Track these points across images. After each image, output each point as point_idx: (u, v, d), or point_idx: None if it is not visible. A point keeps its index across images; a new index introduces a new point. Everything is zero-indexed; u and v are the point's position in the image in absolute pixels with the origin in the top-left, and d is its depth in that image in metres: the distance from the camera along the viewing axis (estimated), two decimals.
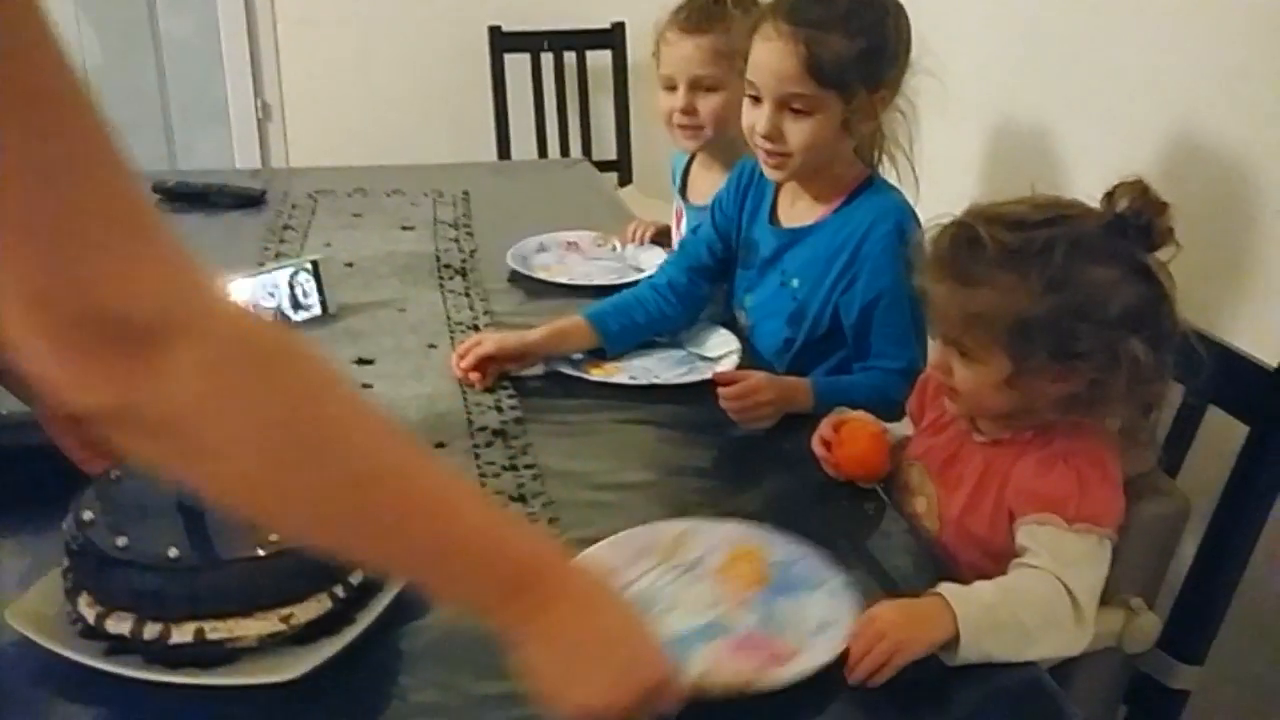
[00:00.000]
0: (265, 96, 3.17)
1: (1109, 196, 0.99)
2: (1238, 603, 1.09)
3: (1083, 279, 0.95)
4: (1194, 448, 1.14)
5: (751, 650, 0.88)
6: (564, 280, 1.71)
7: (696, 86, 1.67)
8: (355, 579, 0.89)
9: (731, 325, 1.53)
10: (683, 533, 1.01)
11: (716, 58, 1.65)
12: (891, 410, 1.27)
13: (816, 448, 1.16)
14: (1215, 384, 1.08)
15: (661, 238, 1.89)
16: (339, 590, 0.88)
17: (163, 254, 0.55)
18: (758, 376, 1.25)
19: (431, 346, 1.47)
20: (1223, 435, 1.12)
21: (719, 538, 1.01)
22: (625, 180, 3.18)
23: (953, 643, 0.86)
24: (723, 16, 1.67)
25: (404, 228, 1.94)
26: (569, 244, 1.86)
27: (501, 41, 3.10)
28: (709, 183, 1.78)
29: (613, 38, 3.16)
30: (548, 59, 3.14)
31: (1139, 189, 0.98)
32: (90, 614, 0.85)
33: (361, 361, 1.42)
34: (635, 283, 1.62)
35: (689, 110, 1.68)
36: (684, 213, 1.83)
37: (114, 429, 0.57)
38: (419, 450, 0.71)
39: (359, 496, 0.62)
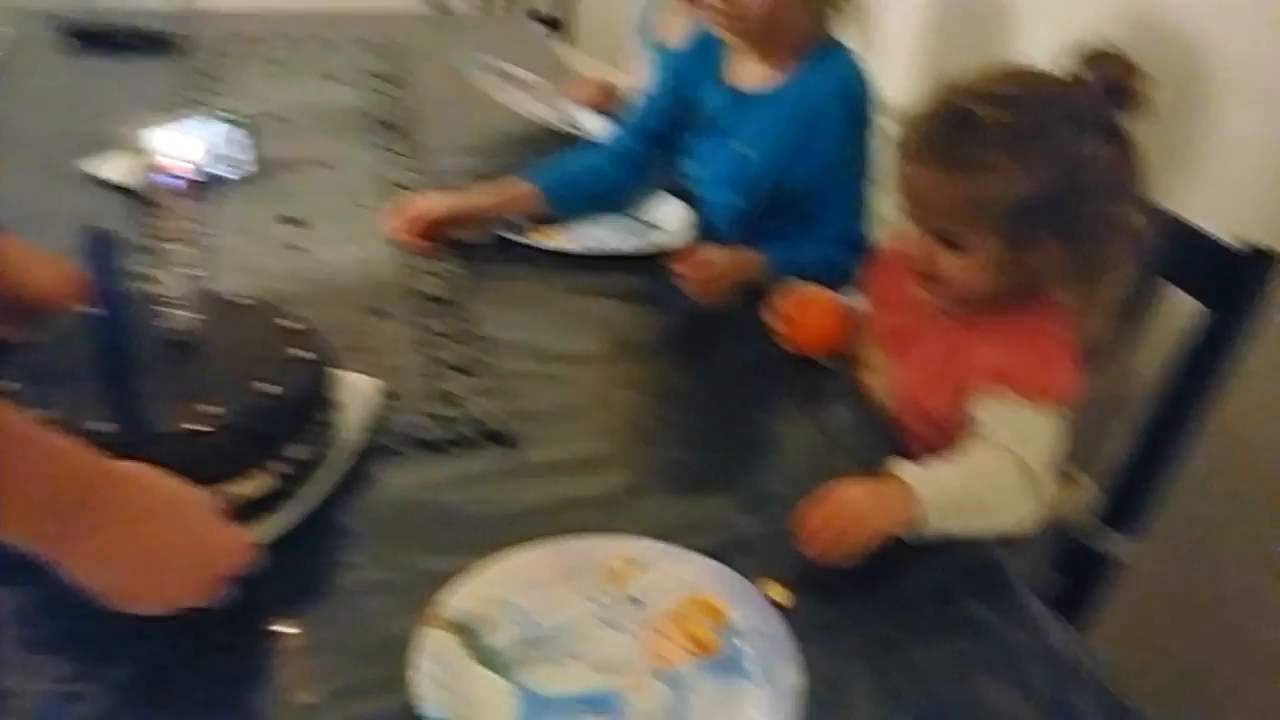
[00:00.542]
0: None
1: (1087, 63, 0.95)
2: (1178, 480, 1.11)
3: (1081, 153, 0.92)
4: (1146, 321, 1.13)
5: None
6: (503, 100, 1.65)
7: None
8: (298, 454, 0.85)
9: (681, 193, 1.48)
10: (635, 558, 0.82)
11: None
12: (842, 280, 1.25)
13: (774, 322, 1.13)
14: (1172, 261, 1.07)
15: (605, 101, 1.81)
16: (279, 467, 0.83)
17: None
18: (715, 252, 1.21)
19: (366, 207, 1.39)
20: (1174, 312, 1.12)
21: (676, 576, 0.81)
22: (564, 38, 3.05)
23: (914, 523, 0.86)
24: None
25: (331, 78, 1.83)
26: (513, 78, 1.76)
27: None
28: (675, 24, 1.70)
29: None
30: None
31: (1117, 55, 0.94)
32: None
33: (294, 222, 1.34)
34: (577, 140, 1.56)
35: None
36: (649, 57, 1.75)
37: None
38: None
39: None
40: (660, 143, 1.48)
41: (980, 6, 1.81)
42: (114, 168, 1.39)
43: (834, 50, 1.35)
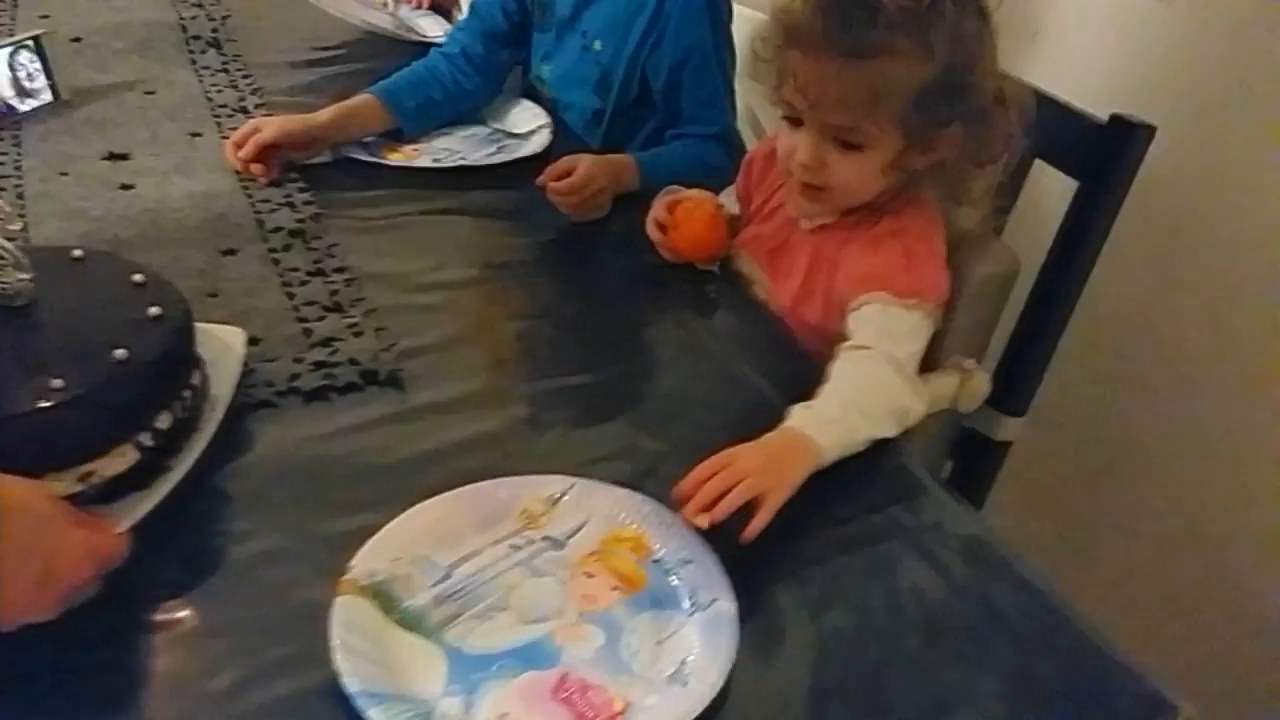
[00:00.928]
0: None
1: None
2: (1059, 357, 1.13)
3: (968, 30, 0.89)
4: (1019, 204, 1.14)
5: (564, 704, 0.65)
6: (334, 12, 1.54)
7: None
8: (162, 423, 0.77)
9: (533, 95, 1.41)
10: (555, 495, 0.78)
11: None
12: (714, 178, 1.21)
13: (651, 231, 1.09)
14: (1044, 138, 1.07)
15: (442, 1, 1.70)
16: (145, 438, 0.75)
17: None
18: (587, 163, 1.14)
19: (195, 135, 1.28)
20: (1047, 190, 1.13)
21: (598, 511, 0.78)
22: None
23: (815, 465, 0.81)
24: None
25: None
26: None
27: None
28: None
29: None
30: None
31: None
32: None
33: (114, 157, 1.21)
34: (422, 48, 1.46)
35: None
36: None
37: None
38: None
39: None
40: (506, 43, 1.40)
41: None
42: None
43: None
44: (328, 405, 0.89)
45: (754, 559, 0.75)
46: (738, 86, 1.32)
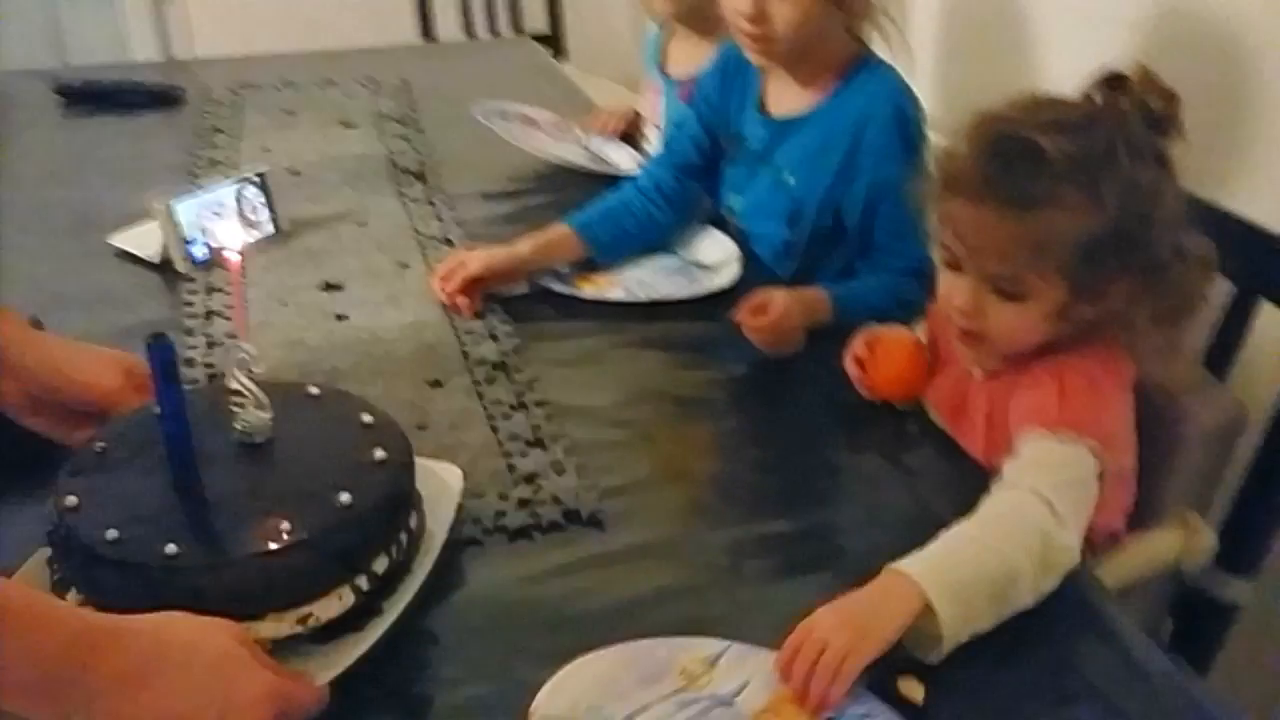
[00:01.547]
0: None
1: (1117, 88, 0.89)
2: None
3: (1142, 181, 0.86)
4: (1244, 347, 1.08)
5: None
6: (529, 149, 1.60)
7: None
8: (379, 566, 0.78)
9: (721, 225, 1.42)
10: (713, 656, 0.76)
11: None
12: (908, 312, 1.19)
13: (850, 368, 1.07)
14: (1263, 275, 1.02)
15: (630, 129, 1.76)
16: (362, 582, 0.77)
17: None
18: (783, 299, 1.14)
19: (404, 266, 1.34)
20: (1275, 333, 1.07)
21: (759, 671, 0.75)
22: (559, 55, 2.99)
23: (930, 628, 0.75)
24: None
25: (345, 125, 1.77)
26: (526, 118, 1.71)
27: None
28: (686, 54, 1.66)
29: None
30: None
31: (1150, 77, 0.89)
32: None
33: (330, 287, 1.28)
34: (612, 179, 1.50)
35: None
36: (660, 89, 1.70)
37: None
38: None
39: None
40: (697, 175, 1.42)
41: (1000, 28, 1.76)
42: (137, 240, 1.33)
43: (873, 67, 1.29)
44: (531, 544, 0.89)
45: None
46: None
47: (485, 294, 1.25)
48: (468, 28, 2.95)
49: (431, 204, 1.50)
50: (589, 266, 1.33)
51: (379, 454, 0.80)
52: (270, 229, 1.40)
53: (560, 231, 1.31)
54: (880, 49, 1.31)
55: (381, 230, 1.42)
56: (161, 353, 0.75)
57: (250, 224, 1.38)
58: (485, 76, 2.06)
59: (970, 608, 0.76)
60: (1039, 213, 0.86)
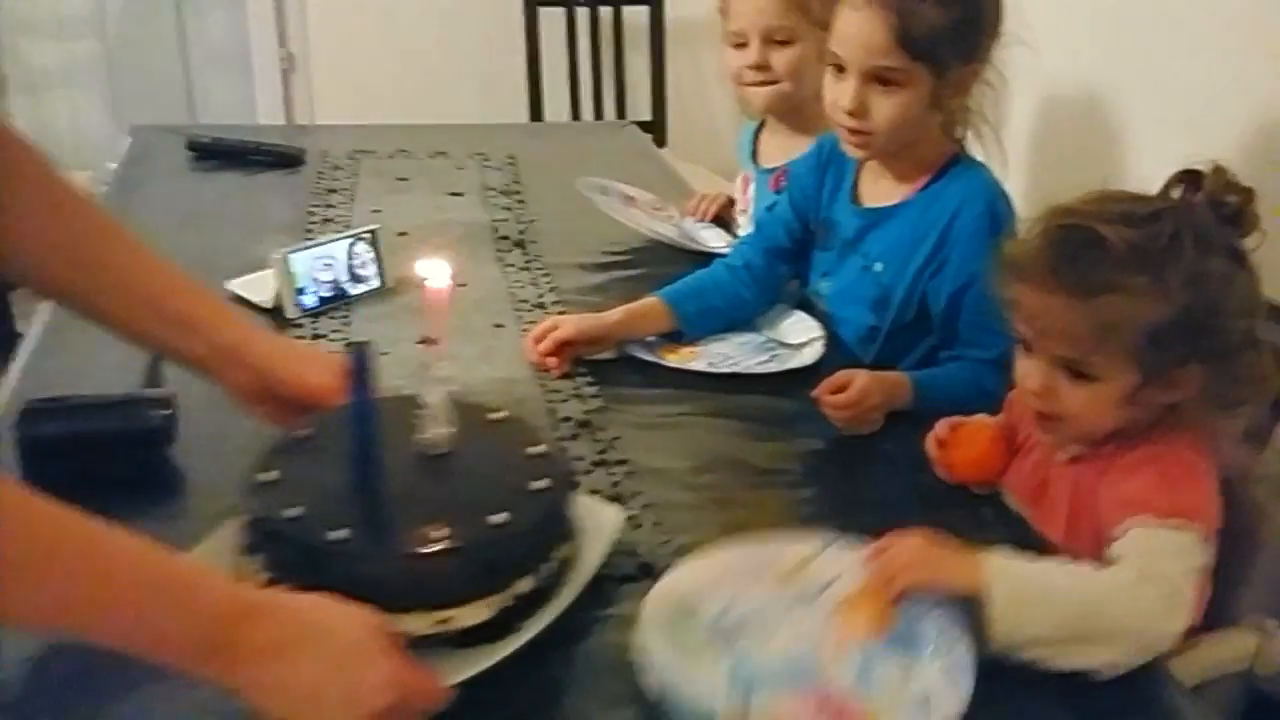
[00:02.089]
0: (290, 46, 3.06)
1: (1192, 185, 0.92)
2: None
3: (1211, 271, 0.89)
4: None
5: (826, 714, 0.78)
6: (626, 222, 1.67)
7: (769, 40, 1.61)
8: (523, 587, 0.82)
9: (807, 307, 1.46)
10: (809, 556, 0.91)
11: (790, 6, 1.59)
12: (988, 402, 1.20)
13: (931, 448, 1.10)
14: None
15: (724, 213, 1.82)
16: (505, 598, 0.81)
17: None
18: (863, 380, 1.17)
19: (498, 326, 1.40)
20: None
21: (849, 565, 0.89)
22: (660, 142, 3.09)
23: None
24: None
25: (453, 194, 1.86)
26: (626, 196, 1.78)
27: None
28: (778, 146, 1.72)
29: None
30: (583, 14, 3.04)
31: (1224, 175, 0.93)
32: (258, 580, 0.81)
33: (428, 341, 1.34)
34: (704, 257, 1.56)
35: (762, 65, 1.61)
36: (752, 178, 1.76)
37: None
38: (98, 533, 0.67)
39: (70, 614, 0.66)
40: (787, 258, 1.47)
41: (1092, 132, 1.79)
42: (257, 288, 1.41)
43: (967, 165, 1.33)
44: (601, 594, 0.92)
45: None
46: None
47: (574, 358, 1.30)
48: (575, 111, 3.08)
49: (528, 270, 1.56)
50: (675, 338, 1.38)
51: (540, 484, 0.86)
52: (376, 283, 1.48)
53: (650, 303, 1.36)
54: (975, 149, 1.35)
55: (480, 292, 1.49)
56: (359, 359, 0.84)
57: (357, 277, 1.46)
58: (588, 156, 2.14)
59: (1026, 610, 0.82)
60: (1103, 299, 0.90)
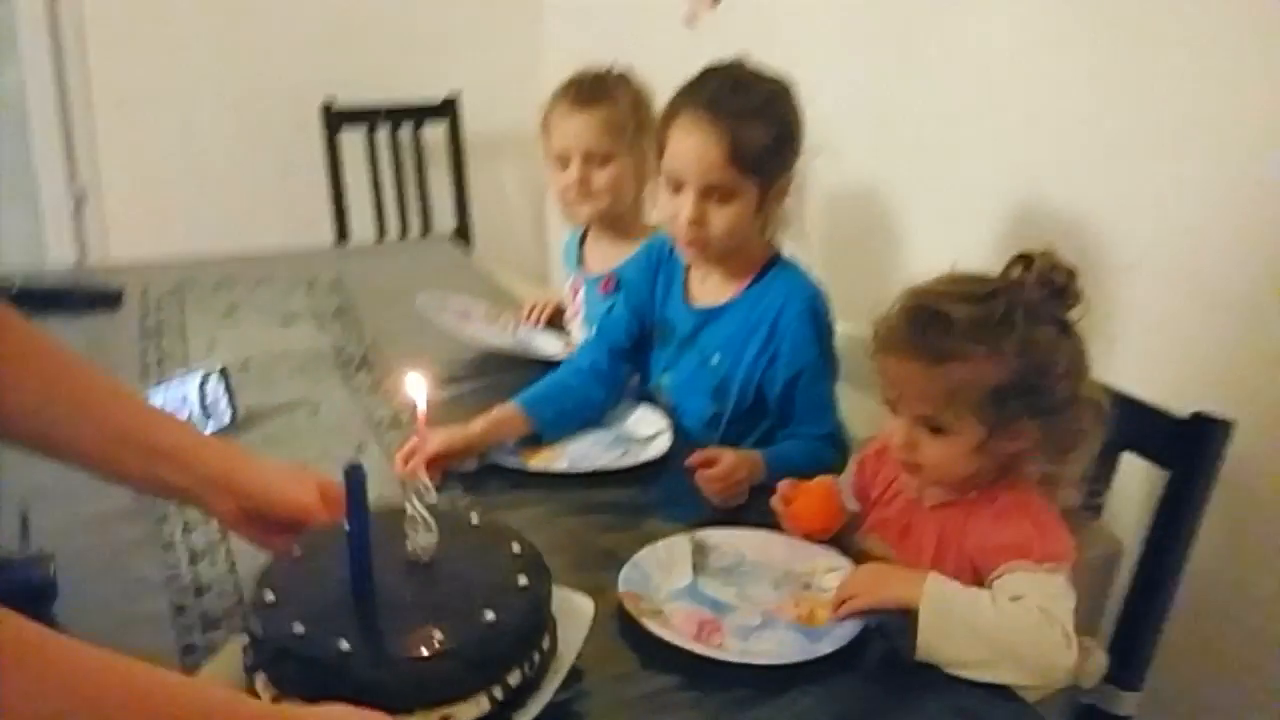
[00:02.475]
0: (81, 179, 2.98)
1: (1025, 265, 1.09)
2: (1170, 630, 1.21)
3: (1039, 339, 1.05)
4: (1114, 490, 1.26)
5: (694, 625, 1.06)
6: (465, 339, 1.75)
7: (590, 159, 1.73)
8: (513, 680, 0.89)
9: (649, 401, 1.57)
10: (824, 567, 1.14)
11: (608, 129, 1.73)
12: (826, 471, 1.33)
13: (775, 504, 1.22)
14: (1132, 432, 1.20)
15: (555, 318, 1.91)
16: (497, 691, 0.88)
17: None
18: (731, 456, 1.29)
19: (359, 449, 1.43)
20: (1139, 477, 1.24)
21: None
22: (467, 249, 3.18)
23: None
24: (610, 90, 1.75)
25: (285, 321, 1.88)
26: (460, 311, 1.85)
27: (335, 118, 3.05)
28: (603, 253, 1.84)
29: (447, 109, 3.17)
30: (383, 134, 3.12)
31: (1052, 257, 1.09)
32: (265, 696, 0.86)
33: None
34: (540, 363, 1.65)
35: (583, 180, 1.73)
36: (582, 284, 1.87)
37: None
38: (136, 670, 0.73)
39: None
40: (628, 357, 1.57)
41: (876, 229, 2.00)
42: None
43: (784, 265, 1.49)
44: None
45: None
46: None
47: (441, 470, 1.35)
48: (381, 228, 3.13)
49: (377, 391, 1.61)
50: (533, 442, 1.45)
51: (523, 580, 0.93)
52: (226, 420, 1.48)
53: (508, 411, 1.44)
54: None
55: (334, 417, 1.52)
56: (355, 480, 0.90)
57: (210, 415, 1.46)
58: (410, 273, 2.21)
59: (949, 627, 0.98)
60: (950, 365, 1.05)
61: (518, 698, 0.89)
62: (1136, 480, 1.27)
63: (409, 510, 0.93)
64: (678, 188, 1.40)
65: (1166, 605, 1.20)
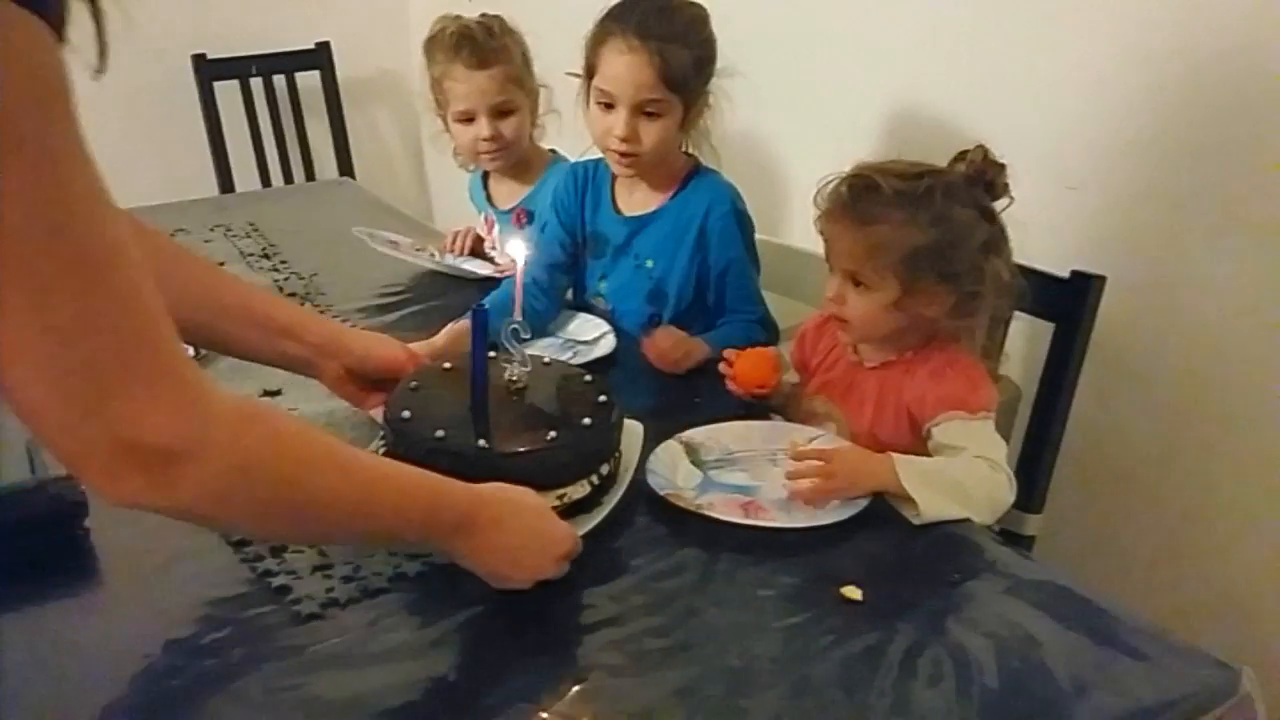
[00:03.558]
0: None
1: (961, 157, 1.26)
2: (1061, 461, 1.43)
3: (955, 216, 1.23)
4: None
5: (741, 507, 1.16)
6: (406, 258, 1.87)
7: (496, 115, 1.83)
8: (605, 470, 1.13)
9: (588, 310, 1.70)
10: (809, 437, 1.28)
11: (508, 84, 1.83)
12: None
13: (722, 368, 1.39)
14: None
15: (476, 247, 2.02)
16: (594, 478, 1.11)
17: (174, 388, 0.71)
18: (671, 329, 1.52)
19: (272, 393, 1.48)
20: (1028, 332, 1.46)
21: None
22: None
23: (905, 500, 1.14)
24: (504, 47, 1.84)
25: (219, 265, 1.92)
26: (391, 242, 1.94)
27: (207, 71, 3.03)
28: (508, 191, 1.96)
29: (319, 57, 3.18)
30: (257, 84, 3.11)
31: (983, 152, 1.27)
32: None
33: (268, 393, 1.45)
34: (477, 282, 1.77)
35: (494, 136, 1.84)
36: (495, 219, 1.98)
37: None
38: (371, 465, 0.92)
39: (341, 527, 0.89)
40: (565, 270, 1.70)
41: (769, 136, 2.17)
42: None
43: (705, 173, 1.64)
44: None
45: (888, 617, 1.00)
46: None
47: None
48: (264, 179, 3.14)
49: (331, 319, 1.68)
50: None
51: (601, 398, 1.16)
52: (190, 352, 1.54)
53: (465, 324, 1.54)
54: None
55: None
56: (480, 318, 1.13)
57: None
58: (321, 212, 2.27)
59: (934, 489, 1.13)
60: (874, 227, 1.22)
61: (606, 486, 1.13)
62: (1024, 335, 1.48)
63: (504, 348, 1.16)
64: (610, 106, 1.53)
65: (1059, 438, 1.41)
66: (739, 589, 1.06)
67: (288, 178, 3.18)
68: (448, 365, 1.22)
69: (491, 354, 1.15)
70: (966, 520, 1.15)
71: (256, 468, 0.77)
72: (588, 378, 1.21)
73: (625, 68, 1.49)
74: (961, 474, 1.17)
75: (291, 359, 1.21)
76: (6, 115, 0.59)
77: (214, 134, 3.04)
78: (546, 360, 1.26)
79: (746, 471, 1.23)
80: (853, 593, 1.04)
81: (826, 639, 0.97)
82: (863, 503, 1.15)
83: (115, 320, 0.67)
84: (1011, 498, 1.20)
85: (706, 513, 1.13)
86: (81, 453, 0.69)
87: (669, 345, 1.48)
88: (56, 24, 0.62)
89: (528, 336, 1.17)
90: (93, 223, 0.65)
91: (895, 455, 1.17)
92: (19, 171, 0.61)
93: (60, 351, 0.65)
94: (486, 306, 1.09)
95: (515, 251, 1.21)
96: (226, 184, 3.06)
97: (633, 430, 1.23)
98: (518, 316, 1.17)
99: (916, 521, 1.13)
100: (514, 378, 1.16)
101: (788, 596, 1.04)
